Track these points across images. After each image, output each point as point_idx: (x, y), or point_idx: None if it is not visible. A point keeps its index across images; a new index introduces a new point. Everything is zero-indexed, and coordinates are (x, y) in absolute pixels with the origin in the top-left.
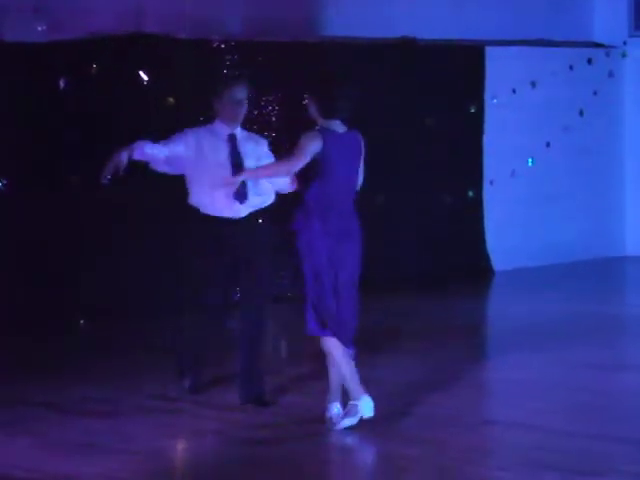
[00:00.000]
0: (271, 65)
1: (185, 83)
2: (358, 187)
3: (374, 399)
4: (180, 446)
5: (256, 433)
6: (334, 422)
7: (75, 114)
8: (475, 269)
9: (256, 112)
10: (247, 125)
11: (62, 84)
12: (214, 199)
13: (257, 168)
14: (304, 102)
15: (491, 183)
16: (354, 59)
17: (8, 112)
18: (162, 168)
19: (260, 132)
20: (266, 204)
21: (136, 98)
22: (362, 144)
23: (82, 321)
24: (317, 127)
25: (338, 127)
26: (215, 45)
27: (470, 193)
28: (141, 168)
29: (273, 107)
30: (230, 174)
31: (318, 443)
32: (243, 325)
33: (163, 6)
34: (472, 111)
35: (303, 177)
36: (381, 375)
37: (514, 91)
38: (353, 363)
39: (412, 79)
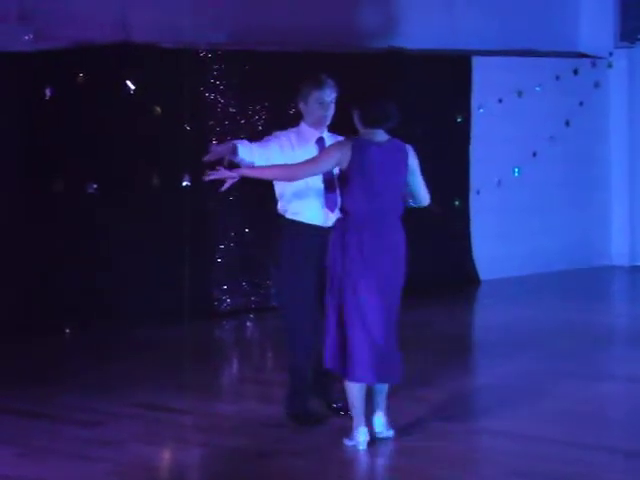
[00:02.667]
0: (258, 74)
1: (172, 92)
2: (415, 201)
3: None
4: (166, 456)
5: (243, 444)
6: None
7: (61, 123)
8: (461, 278)
9: (243, 121)
10: (234, 135)
11: (48, 93)
12: (306, 206)
13: (261, 167)
14: (291, 111)
15: (477, 192)
16: (341, 68)
17: None
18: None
19: (247, 140)
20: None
21: (122, 107)
22: (408, 154)
23: (67, 330)
24: (355, 137)
25: (380, 137)
26: (202, 54)
27: (456, 202)
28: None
29: (260, 116)
30: (321, 180)
31: (306, 454)
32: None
33: (149, 15)
34: (459, 121)
35: (341, 189)
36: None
37: (500, 101)
38: (363, 390)
39: (399, 88)
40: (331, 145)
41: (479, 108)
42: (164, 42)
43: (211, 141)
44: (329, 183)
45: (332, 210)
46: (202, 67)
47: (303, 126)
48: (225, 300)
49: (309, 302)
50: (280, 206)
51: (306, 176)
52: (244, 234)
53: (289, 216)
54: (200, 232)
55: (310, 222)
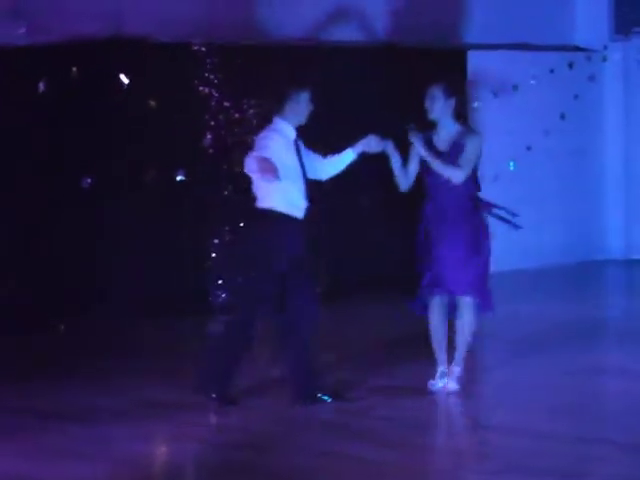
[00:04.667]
0: (252, 68)
1: (166, 86)
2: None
3: (354, 404)
4: (159, 452)
5: (237, 438)
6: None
7: (55, 117)
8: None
9: (237, 115)
10: (228, 128)
11: (42, 87)
12: (295, 199)
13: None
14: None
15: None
16: (336, 63)
17: None
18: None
19: (241, 135)
20: None
21: (116, 101)
22: None
23: (62, 326)
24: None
25: None
26: (195, 48)
27: None
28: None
29: (254, 110)
30: (300, 173)
31: (297, 450)
32: (299, 324)
33: (143, 9)
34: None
35: None
36: (362, 379)
37: (495, 94)
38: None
39: (393, 83)
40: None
41: (474, 102)
42: (158, 36)
43: (205, 135)
44: (305, 176)
45: (309, 201)
46: (196, 61)
47: (281, 123)
48: (220, 295)
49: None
50: (268, 201)
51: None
52: (238, 229)
53: (280, 209)
54: (195, 227)
55: (295, 214)
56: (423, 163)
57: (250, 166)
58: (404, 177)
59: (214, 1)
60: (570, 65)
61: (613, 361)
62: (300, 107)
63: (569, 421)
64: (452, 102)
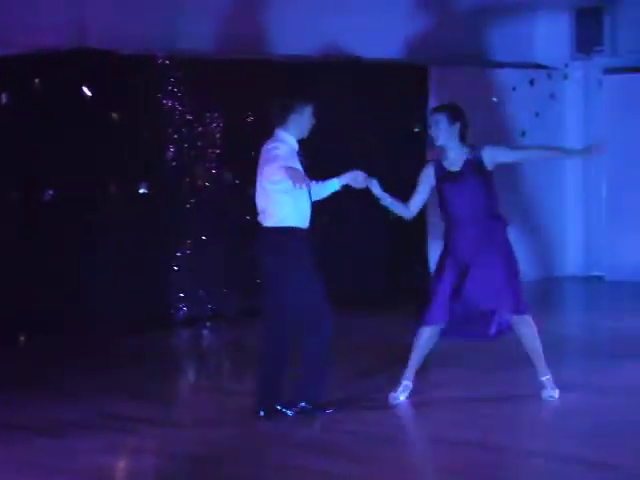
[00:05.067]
0: (217, 82)
1: (129, 99)
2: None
3: (315, 418)
4: (122, 465)
5: (200, 452)
6: None
7: (17, 129)
8: (417, 287)
9: (200, 128)
10: (191, 142)
11: (4, 99)
12: (306, 210)
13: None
14: (248, 119)
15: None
16: (299, 77)
17: None
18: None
19: (204, 149)
20: None
21: (79, 114)
22: None
23: (22, 338)
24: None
25: None
26: (159, 61)
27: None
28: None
29: (218, 124)
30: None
31: (259, 464)
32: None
33: (107, 22)
34: (416, 130)
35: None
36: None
37: None
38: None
39: (357, 98)
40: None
41: None
42: (122, 49)
43: (168, 148)
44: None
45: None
46: (160, 74)
47: (286, 136)
48: (182, 308)
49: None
50: (281, 217)
51: None
52: (201, 241)
53: (291, 224)
54: (157, 240)
55: (305, 226)
56: (439, 188)
57: (274, 176)
58: (404, 207)
59: (179, 14)
60: (531, 82)
61: (572, 377)
62: (303, 120)
63: (528, 435)
64: (457, 126)
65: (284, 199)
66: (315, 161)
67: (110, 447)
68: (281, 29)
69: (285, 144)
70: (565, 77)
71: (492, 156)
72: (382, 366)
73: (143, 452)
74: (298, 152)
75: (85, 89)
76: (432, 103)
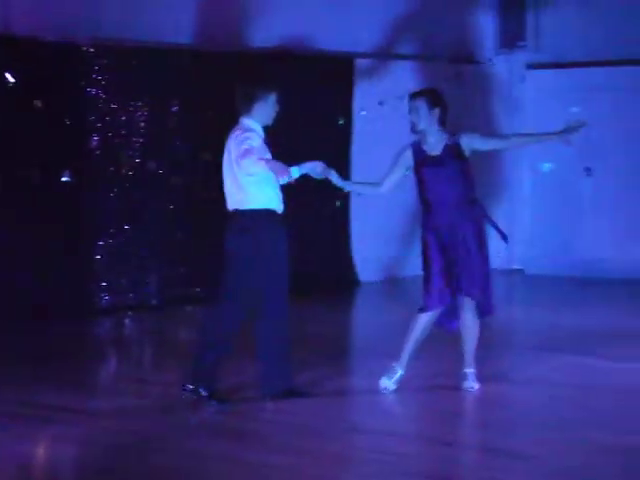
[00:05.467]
0: (141, 70)
1: (52, 87)
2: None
3: (239, 407)
4: (41, 454)
5: (120, 440)
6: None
7: None
8: (340, 279)
9: (124, 117)
10: (115, 130)
11: None
12: (279, 197)
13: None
14: (173, 109)
15: (358, 194)
16: (228, 67)
17: None
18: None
19: (128, 137)
20: None
21: (2, 100)
22: None
23: None
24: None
25: None
26: (84, 49)
27: (337, 203)
28: None
29: (142, 113)
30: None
31: (182, 453)
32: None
33: (32, 9)
34: (340, 123)
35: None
36: (245, 382)
37: (382, 104)
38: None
39: (284, 90)
40: None
41: (361, 110)
42: (46, 36)
43: (92, 136)
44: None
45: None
46: (84, 62)
47: (252, 123)
48: (104, 297)
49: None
50: (255, 200)
51: None
52: (123, 231)
53: (266, 207)
54: (79, 228)
55: (279, 210)
56: (418, 171)
57: (253, 169)
58: (371, 187)
59: (105, 2)
60: (457, 76)
61: (492, 369)
62: (268, 108)
63: (445, 426)
64: (436, 111)
65: (258, 185)
66: None
67: (31, 436)
68: (209, 19)
69: (254, 133)
70: (490, 72)
71: (469, 143)
72: (320, 358)
73: (66, 441)
74: (264, 140)
75: (8, 75)
76: (357, 95)
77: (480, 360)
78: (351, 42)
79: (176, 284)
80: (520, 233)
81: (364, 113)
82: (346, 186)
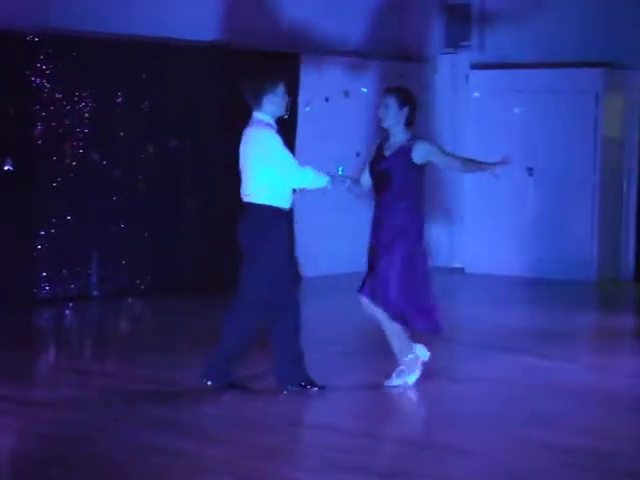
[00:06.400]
0: (85, 60)
1: None
2: None
3: (175, 398)
4: None
5: (58, 430)
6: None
7: None
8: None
9: (68, 107)
10: (59, 120)
11: None
12: (289, 194)
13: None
14: (118, 99)
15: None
16: (166, 60)
17: None
18: None
19: (72, 128)
20: None
21: None
22: None
23: None
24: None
25: None
26: (29, 38)
27: None
28: None
29: (86, 103)
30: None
31: (120, 442)
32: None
33: None
34: (285, 117)
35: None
36: (182, 376)
37: (327, 100)
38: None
39: (225, 84)
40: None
41: (306, 106)
42: None
43: (35, 126)
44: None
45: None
46: (29, 51)
47: (266, 118)
48: (44, 287)
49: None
50: (265, 195)
51: None
52: (65, 221)
53: (278, 204)
54: (21, 218)
55: (286, 207)
56: (370, 170)
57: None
58: (360, 188)
59: None
60: (401, 75)
61: (433, 365)
62: (277, 99)
63: (387, 421)
64: (405, 110)
65: (270, 181)
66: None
67: None
68: (154, 10)
69: (271, 128)
70: (435, 71)
71: (424, 152)
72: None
73: (3, 430)
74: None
75: None
76: (303, 91)
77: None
78: (298, 38)
79: (117, 275)
80: (461, 233)
81: (309, 109)
82: (352, 191)
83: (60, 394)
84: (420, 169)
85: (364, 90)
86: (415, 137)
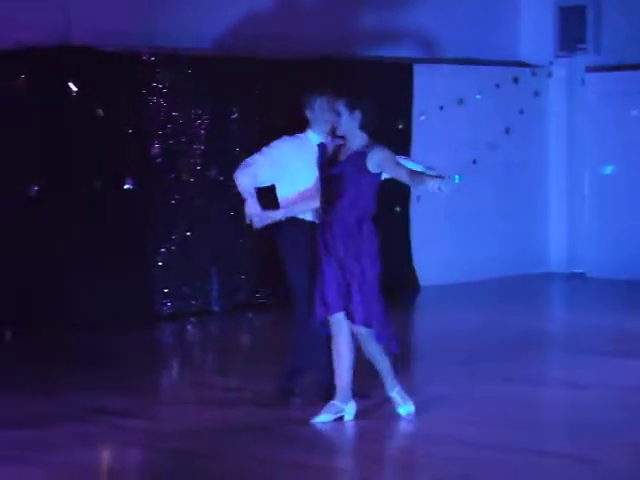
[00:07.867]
0: (200, 78)
1: (113, 95)
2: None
3: (300, 410)
4: (107, 458)
5: (184, 446)
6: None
7: (1, 124)
8: (401, 284)
9: (185, 125)
10: (176, 138)
11: None
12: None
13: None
14: (233, 116)
15: (418, 199)
16: (274, 76)
17: None
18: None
19: (189, 144)
20: None
21: (64, 109)
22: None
23: (9, 334)
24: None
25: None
26: (144, 58)
27: (397, 209)
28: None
29: (202, 120)
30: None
31: (252, 458)
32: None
33: (92, 19)
34: (400, 127)
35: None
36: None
37: (442, 108)
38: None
39: (340, 95)
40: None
41: (420, 115)
42: (106, 45)
43: (153, 144)
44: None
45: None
46: (144, 70)
47: (309, 132)
48: (166, 304)
49: None
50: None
51: None
52: (186, 238)
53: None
54: (142, 235)
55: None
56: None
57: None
58: None
59: (163, 12)
60: (515, 80)
61: (554, 372)
62: (317, 115)
63: (507, 431)
64: (357, 115)
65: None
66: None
67: (96, 441)
68: (260, 28)
69: (296, 138)
70: (549, 75)
71: (378, 161)
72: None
73: (129, 446)
74: (319, 145)
75: (71, 85)
76: (416, 100)
77: (533, 363)
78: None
79: (238, 290)
80: (581, 235)
81: (423, 118)
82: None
83: (185, 409)
84: (374, 177)
85: (478, 97)
86: (371, 144)
